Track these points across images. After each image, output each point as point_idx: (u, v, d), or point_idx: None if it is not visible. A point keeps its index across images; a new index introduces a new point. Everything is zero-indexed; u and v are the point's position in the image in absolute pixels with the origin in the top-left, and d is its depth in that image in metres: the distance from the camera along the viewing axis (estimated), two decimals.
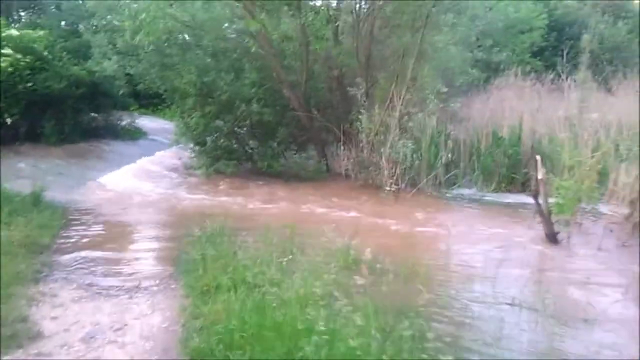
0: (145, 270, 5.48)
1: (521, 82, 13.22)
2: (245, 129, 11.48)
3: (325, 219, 7.68)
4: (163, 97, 13.58)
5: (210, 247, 5.51)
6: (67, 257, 5.85)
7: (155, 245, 6.61)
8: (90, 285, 5.01)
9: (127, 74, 17.49)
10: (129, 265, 5.65)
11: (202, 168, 10.75)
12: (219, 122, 10.74)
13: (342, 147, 10.65)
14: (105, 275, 5.34)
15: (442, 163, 9.45)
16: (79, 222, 7.34)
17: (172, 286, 5.00)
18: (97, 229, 7.02)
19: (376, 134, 9.91)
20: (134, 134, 15.57)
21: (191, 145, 11.64)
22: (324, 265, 5.13)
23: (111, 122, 15.42)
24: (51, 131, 12.92)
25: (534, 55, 20.28)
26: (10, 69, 12.25)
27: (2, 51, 12.35)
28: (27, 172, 10.84)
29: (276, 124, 10.91)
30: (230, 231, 6.28)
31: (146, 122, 17.73)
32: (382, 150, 9.59)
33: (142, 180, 10.81)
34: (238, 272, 4.79)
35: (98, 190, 9.86)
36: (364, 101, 10.15)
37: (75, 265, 5.60)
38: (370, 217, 7.69)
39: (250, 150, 11.75)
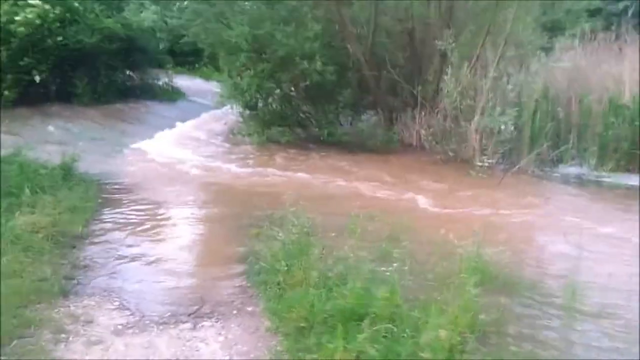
0: (208, 281, 4.12)
1: (587, 44, 11.05)
2: (300, 90, 9.91)
3: (417, 205, 6.23)
4: (201, 54, 12.15)
5: (291, 248, 4.11)
6: (104, 255, 4.55)
7: (214, 240, 5.23)
8: (136, 304, 3.67)
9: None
10: (185, 271, 4.31)
11: (253, 135, 9.33)
12: (272, 83, 9.19)
13: (420, 113, 9.07)
14: (156, 287, 4.01)
15: (548, 136, 7.80)
16: (117, 203, 6.05)
17: (249, 309, 3.63)
18: (139, 214, 5.70)
19: (462, 98, 8.30)
20: (172, 95, 14.20)
21: (239, 108, 10.18)
22: (451, 278, 3.70)
23: (147, 81, 14.09)
24: (83, 90, 11.75)
25: (592, 14, 18.00)
26: (38, 21, 11.05)
27: (30, 1, 11.04)
28: (57, 136, 9.67)
29: (338, 85, 9.35)
30: (303, 219, 4.89)
31: (183, 81, 16.29)
32: (472, 118, 8.02)
33: (185, 147, 9.47)
34: (340, 295, 3.39)
35: (137, 159, 8.57)
36: (447, 59, 8.53)
37: (115, 269, 4.29)
38: (475, 205, 6.17)
39: (303, 116, 10.24)
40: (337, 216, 5.59)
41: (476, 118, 8.01)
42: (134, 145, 9.41)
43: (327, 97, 9.68)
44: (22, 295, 3.57)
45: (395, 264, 4.19)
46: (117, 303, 3.67)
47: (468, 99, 8.25)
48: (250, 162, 8.28)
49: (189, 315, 3.53)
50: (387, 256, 4.37)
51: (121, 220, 5.45)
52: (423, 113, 9.25)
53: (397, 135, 9.33)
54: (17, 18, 10.70)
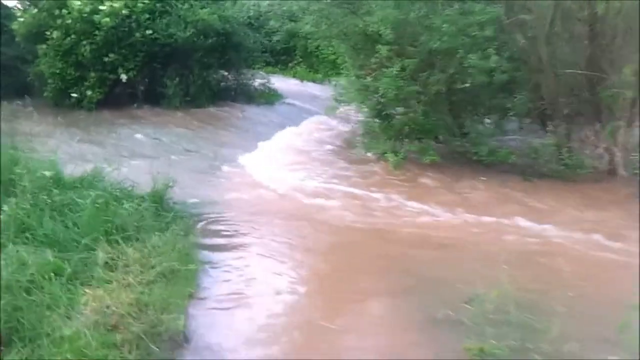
0: None
1: None
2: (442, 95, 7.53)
3: None
4: (293, 52, 10.08)
5: None
6: None
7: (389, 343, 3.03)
8: None
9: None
10: None
11: (386, 152, 7.13)
12: (416, 85, 6.92)
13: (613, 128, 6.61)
14: None
15: None
16: (226, 262, 4.10)
17: None
18: (261, 293, 3.64)
19: None
20: (270, 97, 12.31)
21: (365, 116, 8.03)
22: None
23: (242, 81, 12.31)
24: (174, 91, 10.19)
25: None
26: (125, 12, 9.62)
27: None
28: (147, 147, 8.07)
29: (507, 87, 7.01)
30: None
31: (277, 82, 14.42)
32: None
33: (296, 165, 7.47)
34: None
35: (240, 181, 6.64)
36: None
37: None
38: None
39: (446, 127, 7.86)
40: (593, 303, 3.31)
41: None
42: (233, 160, 7.54)
43: (483, 104, 7.36)
44: None
45: None
46: None
47: None
48: (395, 192, 6.04)
49: None
50: None
51: (237, 303, 3.42)
52: (620, 128, 6.78)
53: (589, 160, 6.82)
54: (101, 7, 9.38)
